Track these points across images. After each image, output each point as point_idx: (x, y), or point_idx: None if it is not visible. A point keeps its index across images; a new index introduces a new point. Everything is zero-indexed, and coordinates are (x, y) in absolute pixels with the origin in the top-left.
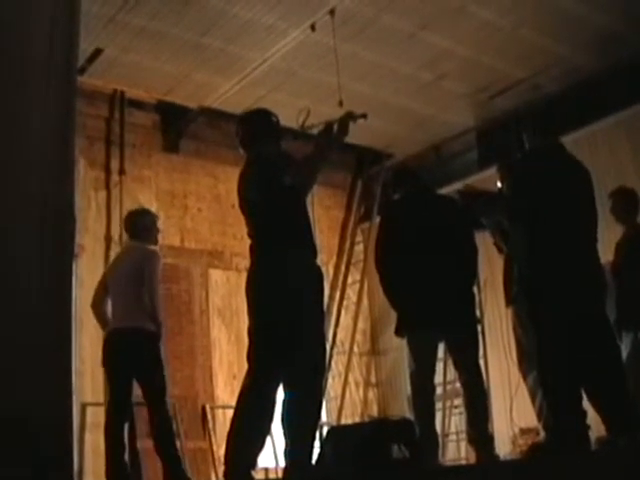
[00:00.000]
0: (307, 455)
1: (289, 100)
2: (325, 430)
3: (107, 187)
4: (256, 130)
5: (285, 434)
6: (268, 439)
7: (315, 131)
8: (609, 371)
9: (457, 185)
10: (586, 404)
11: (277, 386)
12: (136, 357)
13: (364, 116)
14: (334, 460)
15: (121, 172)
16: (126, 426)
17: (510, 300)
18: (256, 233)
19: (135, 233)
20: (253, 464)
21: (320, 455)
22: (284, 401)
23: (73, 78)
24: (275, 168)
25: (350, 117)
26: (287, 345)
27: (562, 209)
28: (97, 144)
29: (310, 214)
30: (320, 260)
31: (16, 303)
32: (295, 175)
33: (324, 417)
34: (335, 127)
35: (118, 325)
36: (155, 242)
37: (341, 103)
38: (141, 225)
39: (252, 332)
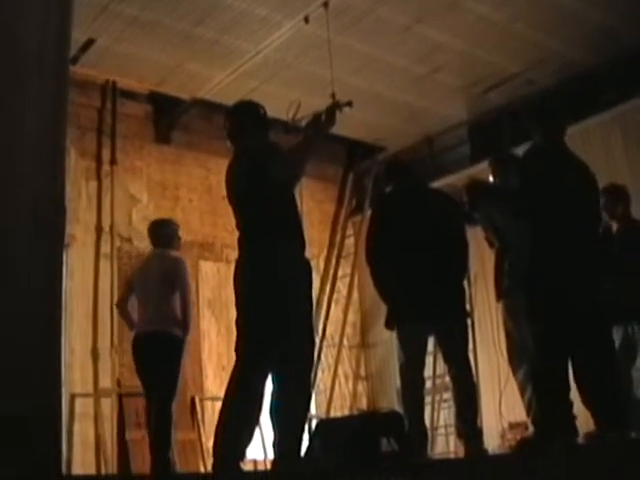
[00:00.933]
0: (296, 447)
1: (282, 92)
2: (314, 423)
3: (98, 177)
4: (243, 122)
5: (274, 426)
6: (257, 431)
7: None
8: (602, 367)
9: (449, 179)
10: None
11: (264, 378)
12: (160, 358)
13: (349, 104)
14: (323, 453)
15: (112, 162)
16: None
17: (501, 294)
18: (244, 225)
19: (159, 241)
20: (242, 456)
21: (309, 448)
22: (273, 393)
23: (65, 68)
24: (262, 160)
25: (336, 106)
26: (275, 338)
27: (568, 206)
28: (89, 134)
29: (301, 207)
30: (311, 253)
31: (5, 294)
32: (283, 167)
33: (313, 410)
34: (322, 117)
35: (148, 328)
36: (177, 249)
37: (334, 96)
38: (165, 234)
39: (240, 324)
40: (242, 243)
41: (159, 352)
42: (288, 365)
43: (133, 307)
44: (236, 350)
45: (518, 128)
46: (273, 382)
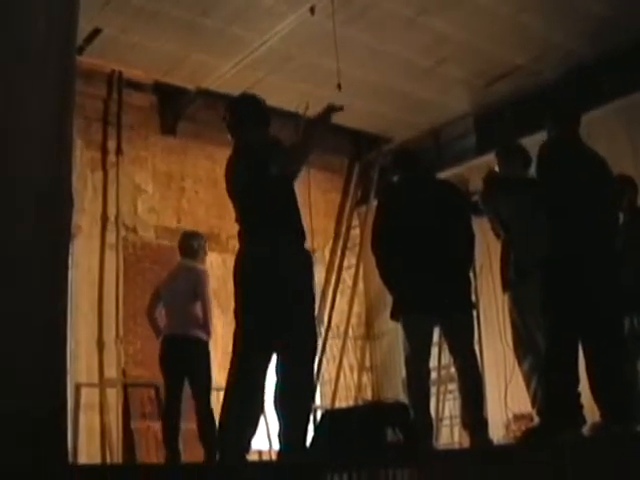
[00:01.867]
0: (301, 438)
1: (287, 83)
2: (319, 413)
3: (104, 168)
4: (244, 116)
5: (278, 418)
6: (262, 422)
7: None
8: (611, 359)
9: (455, 170)
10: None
11: (265, 369)
12: (189, 360)
13: (341, 108)
14: (328, 443)
15: (118, 153)
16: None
17: (506, 285)
18: (244, 219)
19: (187, 253)
20: (247, 448)
21: (314, 438)
22: (276, 384)
23: (72, 58)
24: (263, 156)
25: (332, 109)
26: (275, 329)
27: (586, 197)
28: (94, 124)
29: (307, 198)
30: (316, 244)
31: (11, 284)
32: (283, 164)
33: (318, 401)
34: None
35: (174, 332)
36: (203, 261)
37: (339, 87)
38: (192, 246)
39: (239, 316)
40: (242, 236)
41: (187, 353)
42: (290, 356)
43: (160, 315)
44: (234, 342)
45: (523, 119)
46: (276, 373)
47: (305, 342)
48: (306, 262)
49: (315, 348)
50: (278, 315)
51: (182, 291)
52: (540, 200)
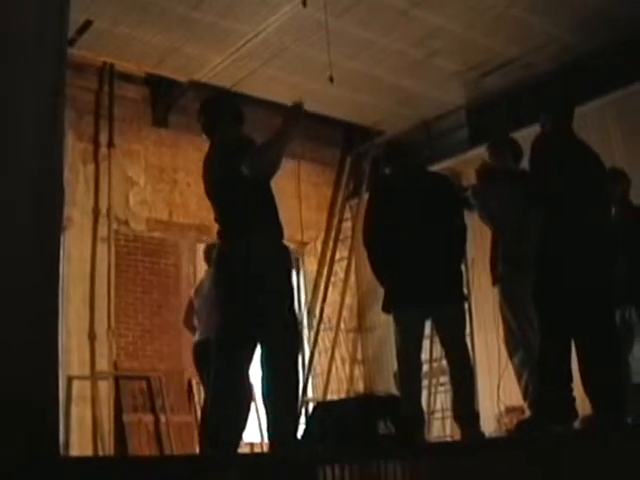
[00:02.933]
0: (292, 430)
1: (280, 75)
2: (311, 406)
3: (95, 160)
4: (217, 117)
5: (266, 411)
6: (253, 415)
7: None
8: (602, 353)
9: (447, 162)
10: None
11: (246, 364)
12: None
13: (301, 104)
14: (320, 435)
15: (110, 145)
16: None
17: (496, 279)
18: (221, 218)
19: (210, 262)
20: (237, 440)
21: (306, 430)
22: (262, 378)
23: (63, 50)
24: (235, 154)
25: (296, 106)
26: (256, 324)
27: (580, 192)
28: (86, 117)
29: (298, 190)
30: (308, 236)
31: (3, 277)
32: (253, 165)
33: (310, 393)
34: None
35: (202, 337)
36: None
37: (332, 79)
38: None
39: (220, 313)
40: (220, 235)
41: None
42: (272, 349)
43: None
44: (217, 338)
45: (516, 112)
46: (261, 367)
47: (285, 335)
48: (283, 257)
49: (296, 341)
50: (257, 310)
51: (206, 298)
52: (532, 193)
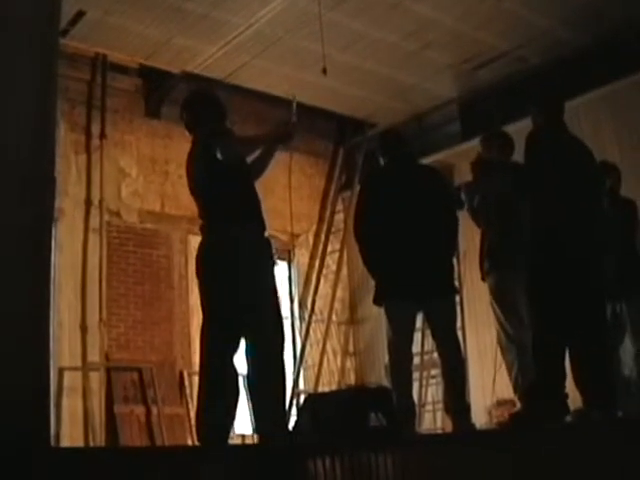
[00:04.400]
0: (281, 423)
1: (272, 67)
2: (302, 398)
3: (87, 151)
4: (199, 114)
5: (254, 404)
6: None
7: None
8: (593, 347)
9: (439, 156)
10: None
11: (230, 355)
12: None
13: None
14: (311, 427)
15: (102, 136)
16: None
17: (484, 275)
18: (204, 212)
19: None
20: (227, 431)
21: (297, 422)
22: (248, 371)
23: (55, 41)
24: (213, 144)
25: (288, 128)
26: (240, 317)
27: (572, 186)
28: (78, 107)
29: (290, 181)
30: (300, 228)
31: None
32: (224, 146)
33: (301, 385)
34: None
35: None
36: None
37: (325, 71)
38: None
39: (204, 307)
40: (203, 229)
41: None
42: (256, 340)
43: None
44: (201, 329)
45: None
46: (247, 359)
47: (270, 326)
48: (266, 250)
49: (280, 332)
50: (241, 302)
51: None
52: (523, 188)
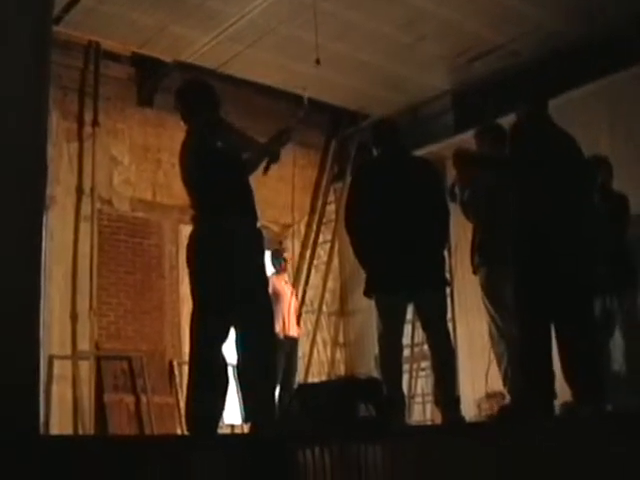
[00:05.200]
0: (271, 412)
1: (266, 56)
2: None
3: (80, 139)
4: (193, 103)
5: (244, 394)
6: (235, 397)
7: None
8: (581, 341)
9: (432, 147)
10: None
11: (219, 343)
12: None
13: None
14: (301, 418)
15: (94, 124)
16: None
17: (475, 269)
18: (196, 202)
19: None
20: (217, 420)
21: (287, 412)
22: (238, 360)
23: (48, 28)
24: (208, 133)
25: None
26: (227, 305)
27: (556, 176)
28: (71, 95)
29: (282, 172)
30: (291, 218)
31: None
32: (222, 133)
33: None
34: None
35: None
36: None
37: (318, 61)
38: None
39: (192, 294)
40: (195, 219)
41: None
42: (246, 329)
43: None
44: (191, 318)
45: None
46: (237, 349)
47: (261, 316)
48: (258, 240)
49: (270, 320)
50: (231, 292)
51: None
52: (508, 180)
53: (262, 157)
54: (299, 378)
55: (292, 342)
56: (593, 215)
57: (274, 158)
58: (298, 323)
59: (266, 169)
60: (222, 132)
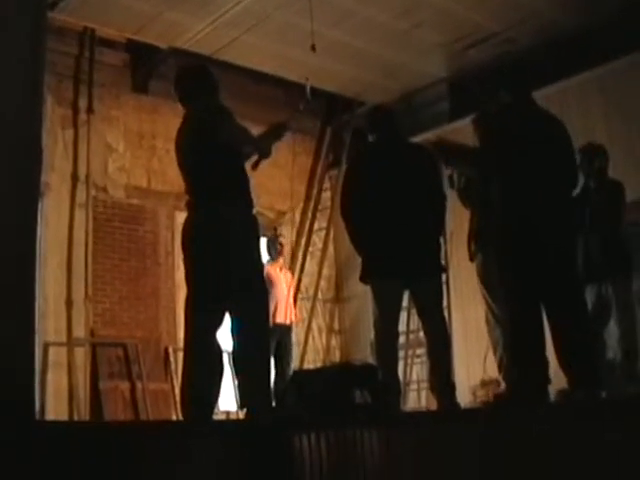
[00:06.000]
0: (266, 399)
1: (262, 43)
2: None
3: (75, 125)
4: (192, 87)
5: (239, 380)
6: (230, 383)
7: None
8: (574, 326)
9: (427, 135)
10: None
11: (214, 330)
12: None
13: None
14: (297, 404)
15: (89, 111)
16: None
17: (472, 256)
18: (192, 187)
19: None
20: (212, 407)
21: (283, 399)
22: (232, 347)
23: (43, 14)
24: (211, 121)
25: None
26: (222, 292)
27: (532, 162)
28: (65, 82)
29: (278, 159)
30: (287, 206)
31: None
32: (230, 131)
33: None
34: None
35: None
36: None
37: (314, 48)
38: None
39: (187, 281)
40: (190, 205)
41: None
42: (241, 316)
43: None
44: (186, 305)
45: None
46: (231, 335)
47: (255, 304)
48: (253, 226)
49: (265, 307)
50: (227, 279)
51: None
52: (486, 170)
53: (254, 152)
54: (294, 365)
55: (284, 329)
56: (580, 201)
57: (265, 154)
58: (295, 311)
59: (256, 164)
60: (223, 120)
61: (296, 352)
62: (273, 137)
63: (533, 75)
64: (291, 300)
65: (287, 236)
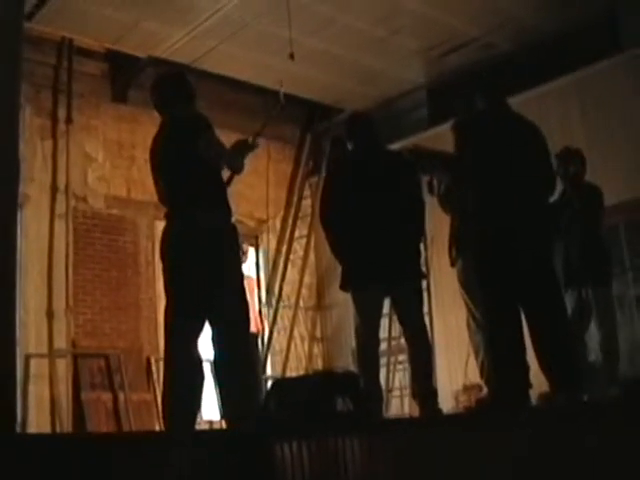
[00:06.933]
0: (248, 408)
1: (240, 52)
2: (270, 383)
3: (54, 136)
4: (168, 94)
5: (221, 389)
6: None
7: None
8: (553, 329)
9: (406, 142)
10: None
11: (194, 340)
12: None
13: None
14: (278, 412)
15: (68, 121)
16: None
17: (452, 261)
18: (169, 196)
19: None
20: (194, 417)
21: (264, 408)
22: (214, 356)
23: (20, 24)
24: (189, 130)
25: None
26: (201, 302)
27: (507, 167)
28: (44, 92)
29: (257, 166)
30: (267, 213)
31: None
32: (208, 145)
33: (269, 371)
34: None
35: None
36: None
37: (292, 56)
38: None
39: (166, 291)
40: (168, 215)
41: None
42: (221, 326)
43: None
44: (165, 315)
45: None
46: (213, 345)
47: (234, 312)
48: (233, 235)
49: (245, 317)
50: (206, 288)
51: None
52: (463, 173)
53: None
54: (275, 373)
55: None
56: (558, 205)
57: (236, 170)
58: (261, 318)
59: (229, 180)
60: (202, 131)
61: (278, 360)
62: (240, 154)
63: (512, 79)
64: (257, 308)
65: (267, 244)
